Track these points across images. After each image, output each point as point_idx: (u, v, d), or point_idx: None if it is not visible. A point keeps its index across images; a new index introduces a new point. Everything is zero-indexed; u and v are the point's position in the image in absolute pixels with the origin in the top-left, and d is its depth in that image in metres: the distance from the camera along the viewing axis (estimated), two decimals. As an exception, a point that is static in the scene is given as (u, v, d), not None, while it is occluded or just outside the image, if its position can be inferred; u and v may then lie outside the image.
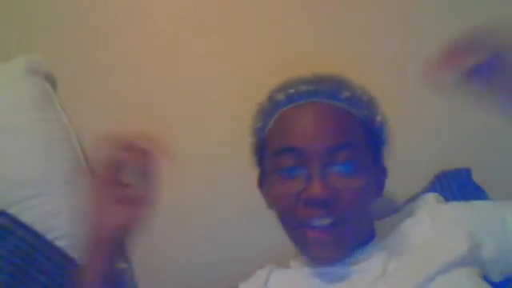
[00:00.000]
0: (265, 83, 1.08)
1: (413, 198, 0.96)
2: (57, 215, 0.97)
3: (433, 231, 0.79)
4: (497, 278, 0.79)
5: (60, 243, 0.96)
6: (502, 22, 0.63)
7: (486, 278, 0.78)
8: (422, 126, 1.03)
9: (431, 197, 0.89)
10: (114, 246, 0.71)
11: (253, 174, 1.06)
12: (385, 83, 1.00)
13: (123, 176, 0.69)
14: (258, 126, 0.84)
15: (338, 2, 1.09)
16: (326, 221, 0.74)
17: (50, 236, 0.95)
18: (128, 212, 0.69)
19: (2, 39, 1.11)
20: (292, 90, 0.80)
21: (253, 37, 1.11)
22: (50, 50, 1.10)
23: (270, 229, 1.04)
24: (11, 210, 0.94)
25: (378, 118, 0.82)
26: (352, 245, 0.79)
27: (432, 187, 0.95)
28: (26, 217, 0.95)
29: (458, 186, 0.92)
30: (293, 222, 0.78)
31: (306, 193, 0.74)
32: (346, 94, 0.79)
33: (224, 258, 1.07)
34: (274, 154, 0.79)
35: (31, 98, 1.03)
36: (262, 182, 0.87)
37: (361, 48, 1.07)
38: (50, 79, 1.09)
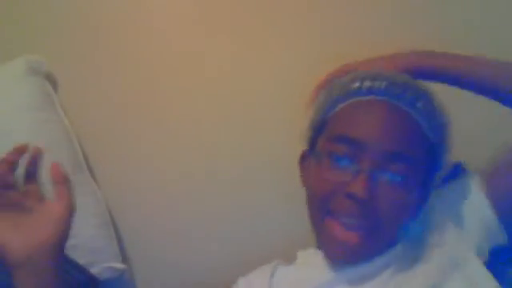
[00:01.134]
0: (266, 84, 1.08)
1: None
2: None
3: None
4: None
5: (60, 244, 0.95)
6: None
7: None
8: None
9: None
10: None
11: (253, 173, 1.07)
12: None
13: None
14: (326, 104, 0.80)
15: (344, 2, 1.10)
16: (355, 221, 0.73)
17: (49, 237, 0.95)
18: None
19: (3, 40, 1.12)
20: (378, 84, 0.77)
21: (255, 38, 1.11)
22: (52, 51, 1.10)
23: (271, 229, 1.05)
24: (11, 211, 0.94)
25: (446, 144, 0.79)
26: (375, 252, 0.77)
27: None
28: (26, 218, 0.95)
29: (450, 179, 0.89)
30: (324, 208, 0.75)
31: (350, 187, 0.72)
32: (427, 108, 0.77)
33: (224, 258, 1.07)
34: (332, 138, 0.77)
35: (32, 98, 1.03)
36: (305, 159, 0.84)
37: (364, 50, 1.07)
38: (51, 80, 1.09)
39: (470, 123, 1.02)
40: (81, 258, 0.96)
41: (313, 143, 0.81)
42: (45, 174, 0.67)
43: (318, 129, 0.80)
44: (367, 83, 0.77)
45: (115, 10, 1.12)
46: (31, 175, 0.68)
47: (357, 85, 0.77)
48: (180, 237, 1.09)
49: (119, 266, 1.02)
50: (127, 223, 1.10)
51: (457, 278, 0.73)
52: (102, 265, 0.99)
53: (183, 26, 1.12)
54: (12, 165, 0.66)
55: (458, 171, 0.88)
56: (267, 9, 1.11)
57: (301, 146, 0.84)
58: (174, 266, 1.09)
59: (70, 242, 0.94)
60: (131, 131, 1.11)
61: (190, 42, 1.12)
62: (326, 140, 0.77)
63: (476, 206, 0.79)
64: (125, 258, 1.07)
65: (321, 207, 0.76)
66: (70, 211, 0.67)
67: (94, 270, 0.98)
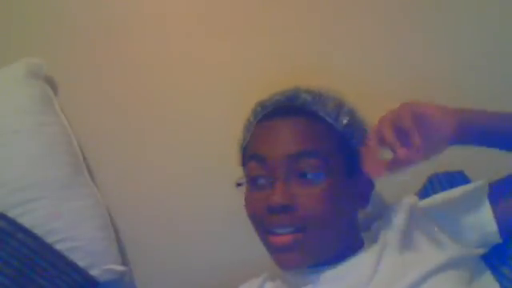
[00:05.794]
0: (270, 86, 1.08)
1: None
2: (57, 218, 0.98)
3: (414, 235, 0.80)
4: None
5: (60, 246, 0.96)
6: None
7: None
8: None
9: (411, 199, 0.87)
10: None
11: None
12: (377, 87, 1.01)
13: None
14: (241, 139, 0.87)
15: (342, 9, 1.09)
16: (288, 229, 0.75)
17: (49, 239, 0.96)
18: None
19: (3, 43, 1.12)
20: (266, 102, 0.84)
21: (255, 38, 1.10)
22: (51, 54, 1.10)
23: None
24: (11, 213, 0.95)
25: (353, 123, 0.81)
26: (326, 253, 0.79)
27: (425, 189, 0.94)
28: (26, 220, 0.95)
29: (451, 188, 0.89)
30: (260, 229, 0.79)
31: (268, 200, 0.75)
32: (321, 99, 0.81)
33: (224, 259, 1.07)
34: (245, 162, 0.82)
35: (32, 101, 1.04)
36: None
37: (361, 55, 1.06)
38: (51, 83, 1.10)
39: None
40: (81, 260, 0.97)
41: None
42: None
43: (243, 163, 0.85)
44: (259, 105, 0.84)
45: (115, 13, 1.12)
46: None
47: (254, 110, 0.84)
48: (180, 238, 1.09)
49: (119, 268, 1.02)
50: (127, 225, 1.10)
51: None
52: (101, 267, 0.99)
53: (183, 27, 1.12)
54: None
55: (458, 179, 0.88)
56: (267, 9, 1.10)
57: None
58: (174, 268, 1.09)
59: (70, 244, 0.97)
60: (131, 133, 1.11)
61: (190, 43, 1.12)
62: (245, 167, 0.82)
63: (479, 212, 0.80)
64: (125, 260, 1.07)
65: (259, 229, 0.80)
66: None
67: (94, 272, 0.98)
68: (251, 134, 0.83)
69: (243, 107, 1.08)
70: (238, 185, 0.83)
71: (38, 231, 0.95)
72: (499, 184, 0.81)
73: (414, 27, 1.06)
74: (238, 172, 1.07)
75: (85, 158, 1.08)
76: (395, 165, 0.70)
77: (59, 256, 0.95)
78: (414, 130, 0.67)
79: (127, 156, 1.11)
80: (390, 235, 0.81)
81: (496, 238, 0.80)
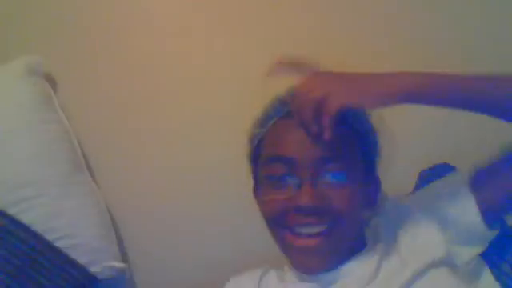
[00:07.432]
0: (271, 86, 1.08)
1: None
2: (57, 216, 0.97)
3: (407, 232, 0.81)
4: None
5: (59, 244, 0.95)
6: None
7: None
8: (411, 127, 1.04)
9: (403, 196, 0.89)
10: None
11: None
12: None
13: None
14: (254, 133, 0.85)
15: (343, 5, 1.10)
16: (314, 229, 0.76)
17: (49, 237, 0.95)
18: None
19: (3, 40, 1.12)
20: (287, 99, 0.81)
21: (260, 40, 1.11)
22: (51, 51, 1.10)
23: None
24: (11, 211, 0.95)
25: (372, 130, 0.83)
26: (341, 254, 0.79)
27: (417, 186, 0.96)
28: (26, 217, 0.95)
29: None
30: (281, 228, 0.78)
31: (296, 200, 0.75)
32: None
33: (224, 258, 1.06)
34: (266, 161, 0.80)
35: (31, 99, 1.03)
36: (257, 190, 0.86)
37: (358, 49, 1.07)
38: (50, 80, 1.09)
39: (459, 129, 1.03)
40: (80, 258, 0.96)
41: (255, 174, 0.85)
42: None
43: (255, 158, 0.84)
44: (279, 102, 0.81)
45: (114, 11, 1.13)
46: None
47: (274, 107, 0.82)
48: (180, 236, 1.09)
49: (119, 265, 1.01)
50: (127, 223, 1.09)
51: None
52: (101, 264, 0.99)
53: (182, 27, 1.12)
54: None
55: (443, 171, 0.88)
56: (268, 9, 1.11)
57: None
58: (174, 266, 1.08)
59: (70, 242, 0.96)
60: (131, 131, 1.11)
61: (189, 43, 1.12)
62: (263, 165, 0.81)
63: (460, 202, 0.79)
64: (124, 258, 1.07)
65: (278, 226, 0.79)
66: None
67: (94, 269, 0.97)
68: (268, 130, 0.81)
69: (243, 107, 1.08)
70: (254, 190, 0.84)
71: (38, 229, 0.94)
72: (482, 170, 0.80)
73: (416, 24, 1.07)
74: (238, 172, 1.07)
75: (84, 156, 1.08)
76: None
77: (59, 253, 0.95)
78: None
79: (127, 153, 1.11)
80: (388, 234, 0.82)
81: (481, 228, 0.78)
